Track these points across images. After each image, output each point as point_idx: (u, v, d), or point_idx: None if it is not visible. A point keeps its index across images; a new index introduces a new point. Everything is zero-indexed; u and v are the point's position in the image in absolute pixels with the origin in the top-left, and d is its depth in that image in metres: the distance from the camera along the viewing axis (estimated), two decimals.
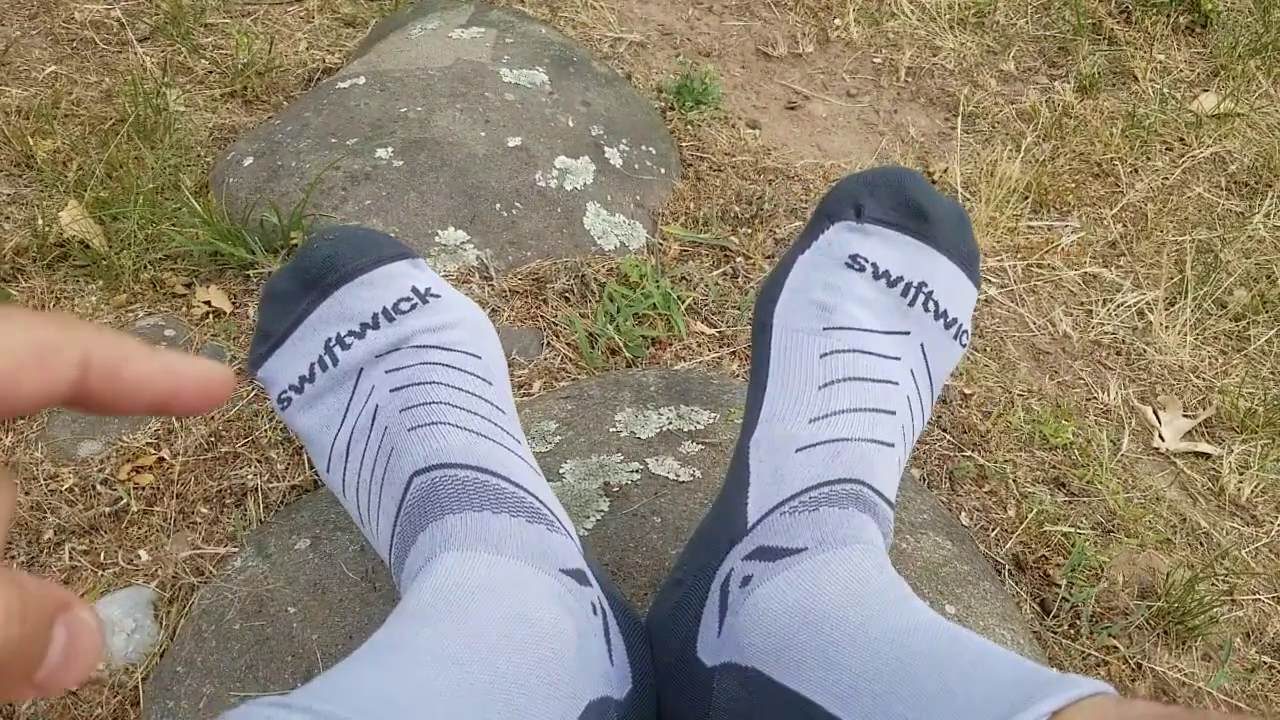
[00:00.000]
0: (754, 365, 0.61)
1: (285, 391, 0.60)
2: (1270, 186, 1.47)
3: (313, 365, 0.58)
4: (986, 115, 1.54)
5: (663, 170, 1.27)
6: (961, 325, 0.63)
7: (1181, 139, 1.54)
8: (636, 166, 1.25)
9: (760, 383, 0.59)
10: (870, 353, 0.58)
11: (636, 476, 0.81)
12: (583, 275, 1.11)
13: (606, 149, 1.23)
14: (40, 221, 1.10)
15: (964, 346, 0.64)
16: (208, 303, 1.06)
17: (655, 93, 1.46)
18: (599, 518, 0.77)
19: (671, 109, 1.43)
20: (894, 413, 0.57)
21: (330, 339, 0.57)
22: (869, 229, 0.60)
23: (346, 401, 0.57)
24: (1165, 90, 1.62)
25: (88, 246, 1.09)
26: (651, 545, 0.76)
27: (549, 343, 1.06)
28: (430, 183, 1.10)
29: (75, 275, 1.09)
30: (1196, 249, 1.36)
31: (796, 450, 0.55)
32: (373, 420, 0.55)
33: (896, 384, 0.58)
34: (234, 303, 1.07)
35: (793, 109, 1.53)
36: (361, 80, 1.23)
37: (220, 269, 1.09)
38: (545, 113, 1.23)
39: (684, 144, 1.37)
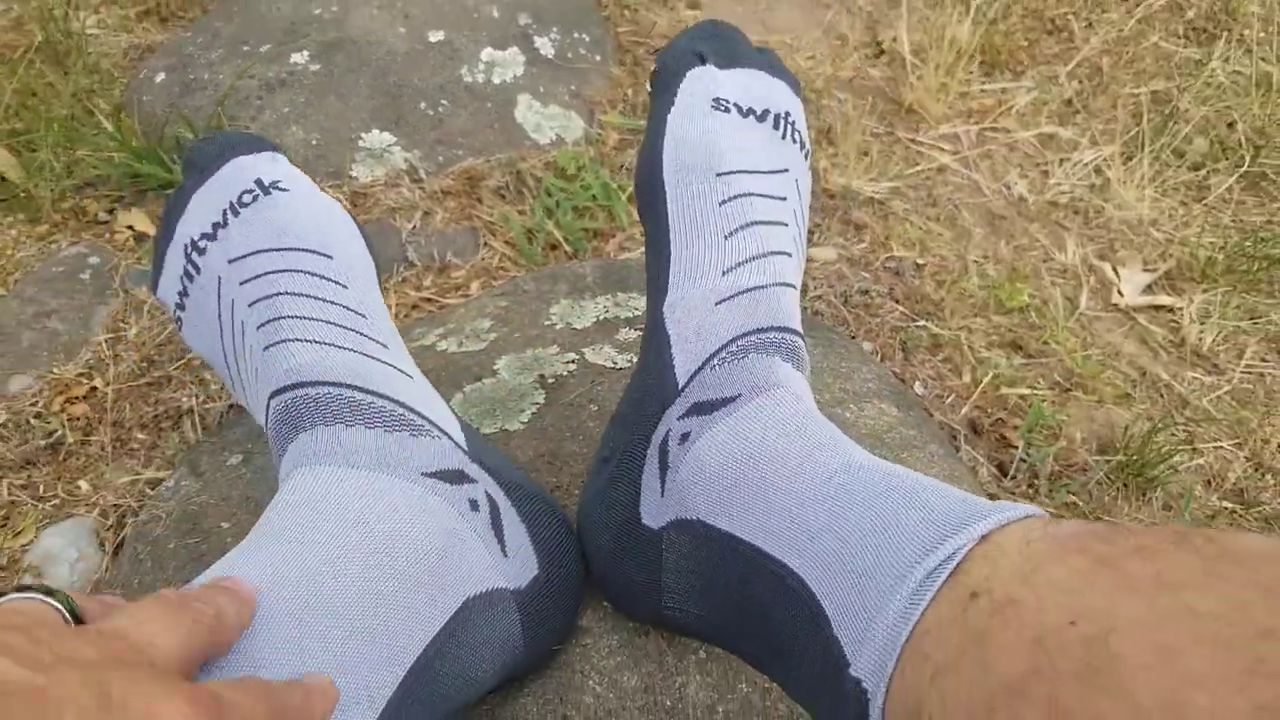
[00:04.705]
0: (650, 232, 0.58)
1: (174, 312, 0.57)
2: (1229, 30, 1.42)
3: (182, 279, 0.55)
4: None
5: (598, 58, 1.23)
6: (808, 150, 0.62)
7: None
8: (570, 55, 1.20)
9: (661, 247, 0.56)
10: (762, 195, 0.56)
11: (573, 367, 0.79)
12: (518, 170, 1.07)
13: (536, 38, 1.19)
14: None
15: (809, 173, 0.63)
16: (130, 226, 1.03)
17: None
18: (534, 410, 0.75)
19: None
20: (790, 255, 0.55)
21: (188, 245, 0.55)
22: (717, 72, 0.59)
23: (217, 317, 0.54)
24: None
25: (3, 179, 1.05)
26: (588, 432, 0.74)
27: (486, 242, 1.03)
28: (350, 85, 1.06)
29: None
30: (1153, 100, 1.32)
31: (716, 304, 0.53)
32: (243, 338, 0.53)
33: (785, 226, 0.56)
34: (157, 224, 1.04)
35: None
36: None
37: (141, 191, 1.05)
38: (468, 4, 1.18)
39: (620, 29, 1.32)
